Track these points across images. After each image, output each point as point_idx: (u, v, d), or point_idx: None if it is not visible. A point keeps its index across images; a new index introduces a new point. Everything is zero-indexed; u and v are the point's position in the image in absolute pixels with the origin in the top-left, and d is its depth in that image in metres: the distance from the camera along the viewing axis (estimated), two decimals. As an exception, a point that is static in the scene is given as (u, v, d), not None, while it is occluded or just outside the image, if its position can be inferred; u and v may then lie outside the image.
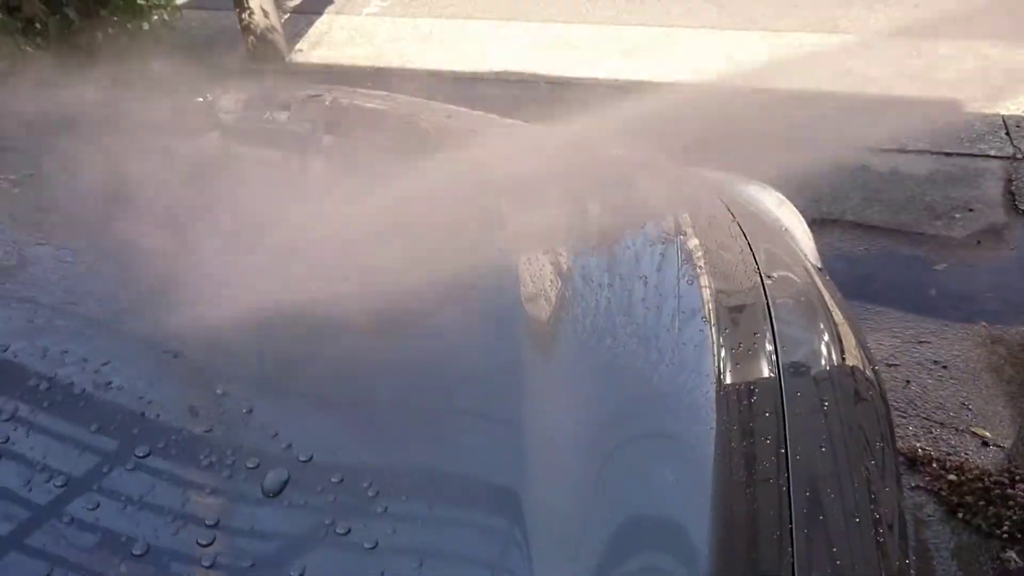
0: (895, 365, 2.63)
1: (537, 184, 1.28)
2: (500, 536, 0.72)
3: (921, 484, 2.16)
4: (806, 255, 1.35)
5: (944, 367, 2.61)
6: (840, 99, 4.23)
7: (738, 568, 0.76)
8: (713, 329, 0.98)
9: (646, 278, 1.06)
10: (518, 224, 1.14)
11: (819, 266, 1.38)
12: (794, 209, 1.53)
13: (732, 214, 1.32)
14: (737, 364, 0.98)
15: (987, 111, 4.05)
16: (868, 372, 1.22)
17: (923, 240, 3.27)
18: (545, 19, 5.41)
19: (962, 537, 2.01)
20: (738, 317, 1.08)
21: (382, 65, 5.05)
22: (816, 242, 3.34)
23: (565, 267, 1.06)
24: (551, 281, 1.00)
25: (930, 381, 2.56)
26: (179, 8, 4.44)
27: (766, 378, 0.99)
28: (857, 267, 3.16)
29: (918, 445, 2.30)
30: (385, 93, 1.89)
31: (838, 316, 1.24)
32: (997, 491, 2.09)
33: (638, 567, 0.72)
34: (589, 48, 5.04)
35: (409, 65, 5.02)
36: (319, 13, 5.88)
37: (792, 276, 1.28)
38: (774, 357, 1.02)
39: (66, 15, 3.50)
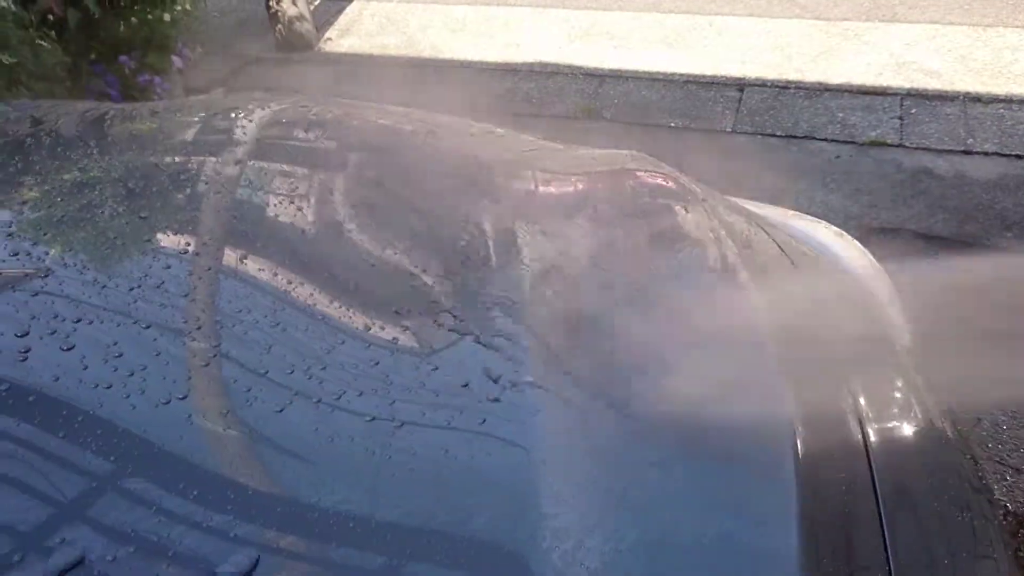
0: (963, 398, 2.39)
1: (566, 221, 1.11)
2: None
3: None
4: (879, 300, 1.15)
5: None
6: (896, 94, 3.95)
7: None
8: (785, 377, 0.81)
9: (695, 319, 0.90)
10: (541, 252, 0.98)
11: (908, 344, 1.17)
12: (873, 261, 1.32)
13: (786, 254, 1.14)
14: (818, 419, 0.82)
15: (1063, 109, 3.74)
16: (951, 432, 1.05)
17: (992, 255, 3.01)
18: (582, 6, 5.17)
19: (1045, 609, 1.79)
20: (813, 369, 0.92)
21: (412, 55, 4.86)
22: (875, 254, 3.12)
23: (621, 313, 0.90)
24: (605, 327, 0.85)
25: (1003, 418, 2.33)
26: (202, -2, 4.30)
27: (851, 440, 0.83)
28: (920, 283, 2.91)
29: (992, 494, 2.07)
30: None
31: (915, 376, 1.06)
32: (1085, 554, 1.86)
33: None
34: (628, 37, 4.80)
35: (440, 55, 4.82)
36: (349, 0, 5.70)
37: (866, 322, 1.09)
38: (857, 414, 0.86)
39: (85, 7, 3.36)
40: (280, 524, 0.61)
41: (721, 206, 1.21)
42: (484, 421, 0.71)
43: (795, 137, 3.77)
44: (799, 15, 4.85)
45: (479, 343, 0.80)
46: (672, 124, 3.96)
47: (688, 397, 0.78)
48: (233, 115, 1.33)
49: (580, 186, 1.20)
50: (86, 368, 0.71)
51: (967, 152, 3.54)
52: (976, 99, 3.86)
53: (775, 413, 0.75)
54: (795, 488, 0.68)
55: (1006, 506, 2.02)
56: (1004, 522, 1.98)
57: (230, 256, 0.94)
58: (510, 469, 0.68)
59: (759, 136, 3.81)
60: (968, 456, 0.99)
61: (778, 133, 3.81)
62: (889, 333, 1.08)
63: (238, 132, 1.24)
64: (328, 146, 1.23)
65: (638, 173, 1.28)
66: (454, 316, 0.84)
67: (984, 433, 2.27)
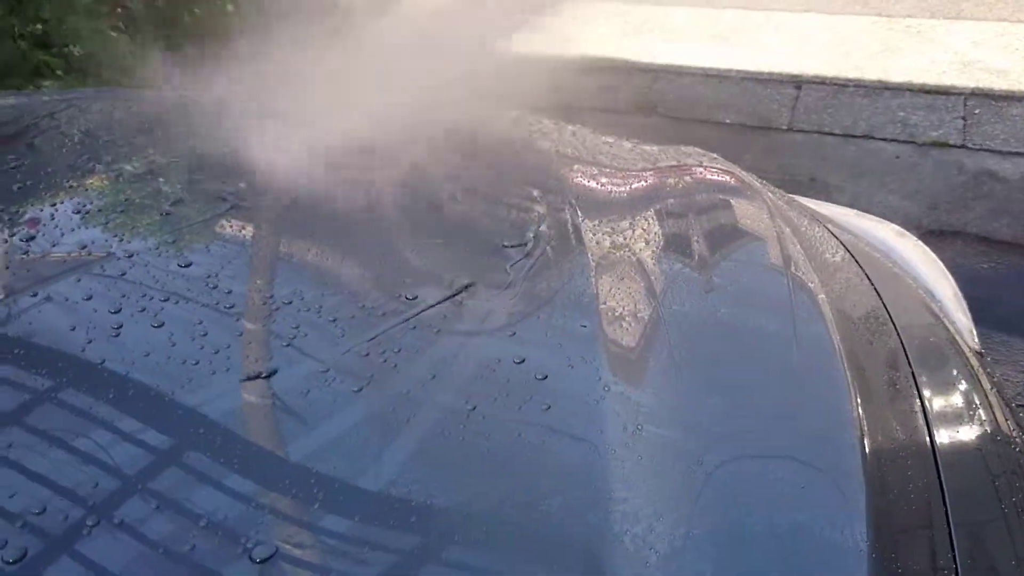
0: (1022, 406, 2.34)
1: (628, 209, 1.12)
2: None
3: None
4: (950, 316, 1.13)
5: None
6: (960, 93, 3.85)
7: None
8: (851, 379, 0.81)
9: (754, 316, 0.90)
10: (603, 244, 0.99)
11: (978, 348, 1.15)
12: (940, 266, 1.29)
13: (854, 256, 1.13)
14: (885, 421, 0.82)
15: None
16: (1018, 435, 1.03)
17: (1057, 259, 2.92)
18: (641, 1, 5.14)
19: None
20: (880, 371, 0.91)
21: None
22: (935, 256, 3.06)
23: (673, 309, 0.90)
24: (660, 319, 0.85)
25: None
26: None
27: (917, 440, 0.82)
28: (980, 288, 2.84)
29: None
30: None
31: (984, 382, 1.04)
32: None
33: None
34: (683, 32, 4.76)
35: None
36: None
37: (930, 330, 1.08)
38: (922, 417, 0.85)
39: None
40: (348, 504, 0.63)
41: (786, 205, 1.21)
42: (554, 409, 0.72)
43: (853, 136, 3.71)
44: (860, 11, 4.76)
45: (548, 334, 0.82)
46: (727, 121, 3.92)
47: (754, 390, 0.79)
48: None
49: (646, 181, 1.21)
50: (170, 345, 0.75)
51: None
52: (1044, 100, 3.75)
53: (842, 414, 0.75)
54: (863, 485, 0.68)
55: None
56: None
57: (295, 244, 0.98)
58: (581, 456, 0.69)
59: (816, 134, 3.76)
60: None
61: (836, 132, 3.75)
62: (955, 334, 1.07)
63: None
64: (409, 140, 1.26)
65: (702, 169, 1.28)
66: (525, 304, 0.86)
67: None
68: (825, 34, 4.55)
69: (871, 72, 4.14)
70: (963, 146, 3.55)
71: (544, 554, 0.61)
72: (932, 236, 3.10)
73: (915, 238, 1.37)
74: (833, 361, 0.81)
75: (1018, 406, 2.37)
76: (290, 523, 0.62)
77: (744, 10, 4.94)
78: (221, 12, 3.97)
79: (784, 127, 3.84)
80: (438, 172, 1.17)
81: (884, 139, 3.67)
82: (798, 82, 4.14)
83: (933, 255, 1.33)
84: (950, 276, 1.29)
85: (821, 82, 4.11)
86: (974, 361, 1.04)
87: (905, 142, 3.63)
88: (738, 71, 4.28)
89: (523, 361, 0.76)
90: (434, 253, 0.97)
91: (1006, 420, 0.95)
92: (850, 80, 4.10)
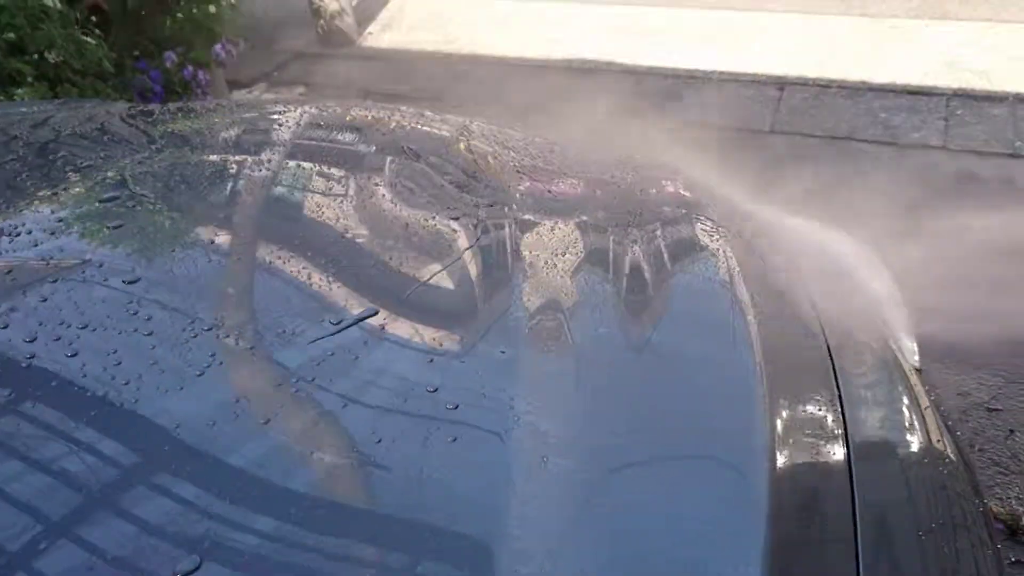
0: (996, 410, 2.33)
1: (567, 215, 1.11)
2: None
3: (1022, 559, 1.90)
4: (892, 330, 1.12)
5: (1056, 415, 2.30)
6: (943, 94, 3.84)
7: None
8: (766, 393, 0.80)
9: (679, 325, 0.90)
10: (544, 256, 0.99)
11: (917, 365, 1.14)
12: (883, 271, 1.29)
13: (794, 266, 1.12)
14: (796, 433, 0.81)
15: (1118, 111, 3.60)
16: (952, 455, 1.02)
17: (1037, 261, 2.91)
18: (623, 1, 5.13)
19: (1071, 631, 1.74)
20: (797, 382, 0.90)
21: (452, 51, 4.88)
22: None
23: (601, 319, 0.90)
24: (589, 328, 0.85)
25: (1040, 431, 2.26)
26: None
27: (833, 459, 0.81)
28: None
29: (1021, 511, 2.02)
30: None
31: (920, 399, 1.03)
32: (1116, 577, 1.81)
33: None
34: (668, 33, 4.75)
35: (480, 51, 4.83)
36: (392, -6, 5.75)
37: (867, 345, 1.07)
38: (841, 431, 0.84)
39: (127, 3, 3.45)
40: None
41: (736, 219, 1.20)
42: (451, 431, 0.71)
43: (835, 138, 3.70)
44: (844, 12, 4.74)
45: (465, 361, 0.81)
46: (709, 122, 3.91)
47: (668, 414, 0.78)
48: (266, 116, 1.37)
49: (587, 195, 1.20)
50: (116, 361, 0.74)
51: (1014, 155, 3.43)
52: (1026, 100, 3.74)
53: (754, 440, 0.75)
54: (765, 512, 0.67)
55: (1035, 523, 1.97)
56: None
57: (260, 252, 0.97)
58: (480, 492, 0.69)
59: (798, 136, 3.75)
60: (970, 482, 0.96)
61: (818, 133, 3.74)
62: (893, 350, 1.06)
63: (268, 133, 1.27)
64: (345, 148, 1.25)
65: (652, 185, 1.28)
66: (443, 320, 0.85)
67: (1017, 445, 2.21)
68: (809, 35, 4.54)
69: (854, 73, 4.12)
70: (944, 147, 3.54)
71: None
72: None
73: (871, 252, 1.36)
74: (750, 384, 0.80)
75: (990, 410, 2.36)
76: (184, 552, 0.62)
77: (729, 11, 4.93)
78: (204, 16, 3.96)
79: (767, 129, 3.83)
80: (363, 185, 1.15)
81: (866, 140, 3.66)
82: (781, 83, 4.13)
83: (886, 271, 1.32)
84: (899, 293, 1.28)
85: (804, 83, 4.10)
86: (912, 378, 1.03)
87: (886, 144, 3.62)
88: (721, 72, 4.27)
89: (436, 390, 0.75)
90: (348, 275, 0.95)
91: (938, 440, 0.94)
92: (833, 81, 4.09)
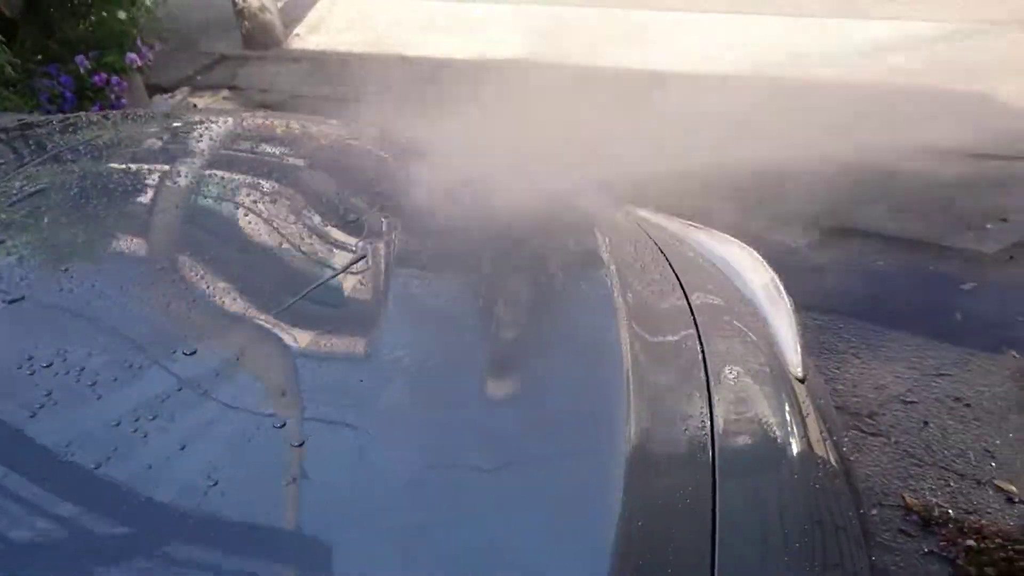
0: (912, 402, 2.38)
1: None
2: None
3: (935, 549, 1.93)
4: (782, 349, 1.11)
5: (967, 405, 2.36)
6: (863, 92, 3.92)
7: None
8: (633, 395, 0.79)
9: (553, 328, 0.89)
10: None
11: (799, 375, 1.12)
12: (779, 287, 1.28)
13: (675, 272, 1.11)
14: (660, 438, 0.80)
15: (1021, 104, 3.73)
16: (833, 460, 1.02)
17: (950, 255, 2.99)
18: (550, 1, 5.12)
19: (979, 619, 1.78)
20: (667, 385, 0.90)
21: (380, 52, 4.82)
22: (832, 254, 3.09)
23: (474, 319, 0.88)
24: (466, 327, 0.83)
25: (951, 422, 2.32)
26: (161, -7, 4.24)
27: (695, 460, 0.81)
28: (875, 285, 2.90)
29: (934, 501, 2.06)
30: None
31: (802, 405, 1.02)
32: (1021, 562, 1.85)
33: None
34: (594, 33, 4.76)
35: (408, 52, 4.78)
36: (320, -5, 5.65)
37: (745, 353, 1.06)
38: (708, 436, 0.84)
39: (35, 7, 3.31)
40: None
41: (622, 222, 1.19)
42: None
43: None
44: (762, 11, 4.82)
45: (319, 393, 0.78)
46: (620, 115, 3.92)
47: (528, 420, 0.77)
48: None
49: (463, 198, 1.18)
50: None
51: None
52: (937, 95, 3.85)
53: (613, 427, 0.74)
54: (619, 505, 0.67)
55: (947, 512, 2.01)
56: (946, 530, 1.97)
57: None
58: (320, 534, 0.66)
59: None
60: (846, 488, 0.96)
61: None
62: (772, 356, 1.05)
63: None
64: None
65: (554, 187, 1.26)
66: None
67: (930, 436, 2.26)
68: (731, 34, 4.60)
69: (769, 70, 4.20)
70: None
71: None
72: (832, 234, 3.15)
73: (758, 256, 1.36)
74: (616, 389, 0.79)
75: (905, 402, 2.41)
76: None
77: (654, 11, 4.96)
78: (115, 20, 3.82)
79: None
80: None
81: (788, 138, 3.71)
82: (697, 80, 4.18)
83: (775, 277, 1.32)
84: (788, 299, 1.27)
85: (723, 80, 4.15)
86: (792, 386, 1.03)
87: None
88: (642, 71, 4.30)
89: (283, 426, 0.71)
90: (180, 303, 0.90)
91: (816, 444, 0.94)
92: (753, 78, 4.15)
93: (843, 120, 3.66)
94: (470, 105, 4.03)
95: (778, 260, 2.95)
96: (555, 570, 0.63)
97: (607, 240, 1.06)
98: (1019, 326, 2.64)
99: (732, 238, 1.36)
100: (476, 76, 4.40)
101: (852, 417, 2.35)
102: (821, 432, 0.97)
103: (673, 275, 1.09)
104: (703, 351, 0.93)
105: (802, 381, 1.07)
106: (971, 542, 1.92)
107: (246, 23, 4.92)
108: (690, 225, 1.38)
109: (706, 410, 0.85)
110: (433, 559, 0.62)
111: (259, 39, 4.97)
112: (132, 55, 3.78)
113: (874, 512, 2.04)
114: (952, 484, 2.13)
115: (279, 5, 5.21)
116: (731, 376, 0.93)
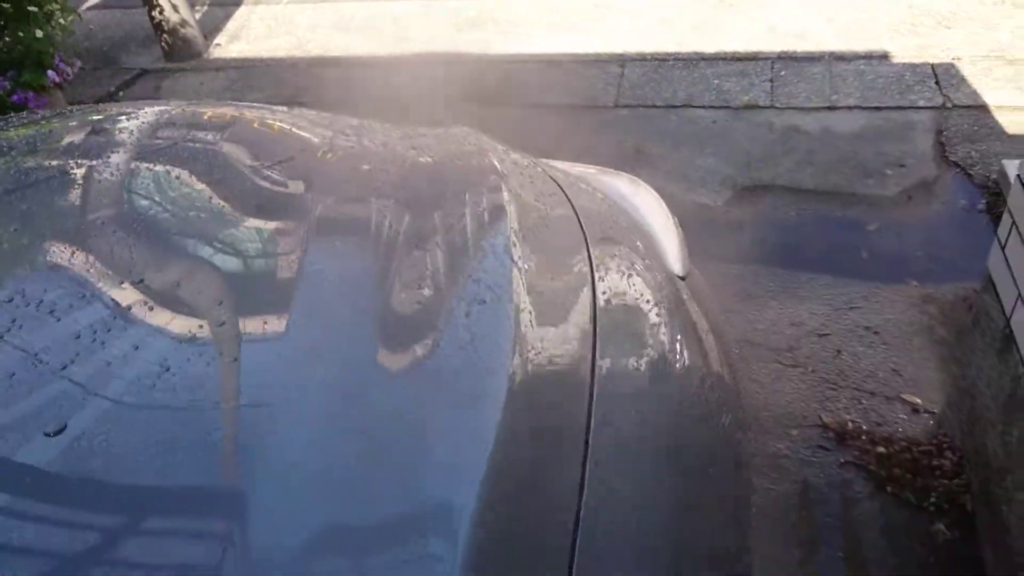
0: (826, 335, 2.57)
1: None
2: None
3: (850, 459, 2.11)
4: (665, 253, 1.24)
5: (876, 333, 2.56)
6: (767, 58, 4.14)
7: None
8: (518, 315, 0.88)
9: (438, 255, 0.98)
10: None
11: (680, 273, 1.26)
12: (662, 205, 1.41)
13: (568, 197, 1.21)
14: (543, 356, 0.89)
15: (916, 60, 3.98)
16: (726, 376, 1.10)
17: (855, 201, 3.20)
18: (469, -5, 5.24)
19: (890, 513, 1.95)
20: (554, 304, 0.99)
21: (303, 55, 4.86)
22: (748, 210, 3.27)
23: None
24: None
25: (861, 348, 2.50)
26: (74, 10, 4.22)
27: (575, 376, 0.89)
28: (789, 234, 3.09)
29: (848, 418, 2.24)
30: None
31: (696, 320, 1.13)
32: (925, 461, 2.04)
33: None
34: (516, 23, 4.89)
35: (330, 54, 4.84)
36: (237, 4, 5.66)
37: (633, 272, 1.14)
38: (591, 341, 0.93)
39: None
40: None
41: (528, 170, 1.30)
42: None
43: (674, 107, 3.93)
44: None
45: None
46: (556, 103, 4.07)
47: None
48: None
49: (383, 163, 1.27)
50: None
51: (832, 108, 3.74)
52: (840, 58, 4.08)
53: (496, 350, 0.82)
54: (496, 423, 0.73)
55: (860, 427, 2.19)
56: (859, 442, 2.14)
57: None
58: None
59: (640, 108, 3.96)
60: (731, 382, 1.06)
61: (658, 104, 3.96)
62: (655, 257, 1.16)
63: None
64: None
65: (441, 148, 1.36)
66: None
67: (843, 363, 2.44)
68: (647, 14, 4.77)
69: (689, 45, 4.38)
70: (771, 106, 3.82)
71: None
72: (747, 192, 3.33)
73: (648, 187, 1.49)
74: (505, 296, 0.88)
75: (820, 335, 2.59)
76: None
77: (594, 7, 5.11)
78: (31, 39, 3.80)
79: (611, 104, 4.02)
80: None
81: (702, 106, 3.90)
82: (622, 61, 4.34)
83: (659, 198, 1.45)
84: (672, 215, 1.40)
85: (643, 59, 4.32)
86: (675, 281, 1.14)
87: (720, 107, 3.87)
88: (567, 55, 4.44)
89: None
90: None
91: (697, 335, 1.05)
92: (669, 54, 4.33)
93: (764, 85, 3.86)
94: (380, 96, 4.12)
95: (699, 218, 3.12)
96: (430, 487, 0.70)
97: (503, 168, 1.17)
98: (918, 259, 2.86)
99: (620, 172, 1.48)
100: (392, 71, 4.50)
101: (772, 352, 2.52)
102: (703, 328, 1.09)
103: (563, 195, 1.20)
104: (589, 254, 1.04)
105: (683, 279, 1.20)
106: (881, 449, 2.10)
107: (165, 36, 4.91)
108: (581, 166, 1.50)
109: (590, 302, 0.95)
110: (323, 483, 0.68)
111: (180, 51, 4.97)
112: (51, 73, 3.77)
113: (794, 432, 2.21)
114: (864, 402, 2.31)
115: (197, 17, 5.21)
116: (615, 271, 1.04)
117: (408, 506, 0.69)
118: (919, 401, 2.28)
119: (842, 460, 2.11)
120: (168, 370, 0.77)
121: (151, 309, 0.84)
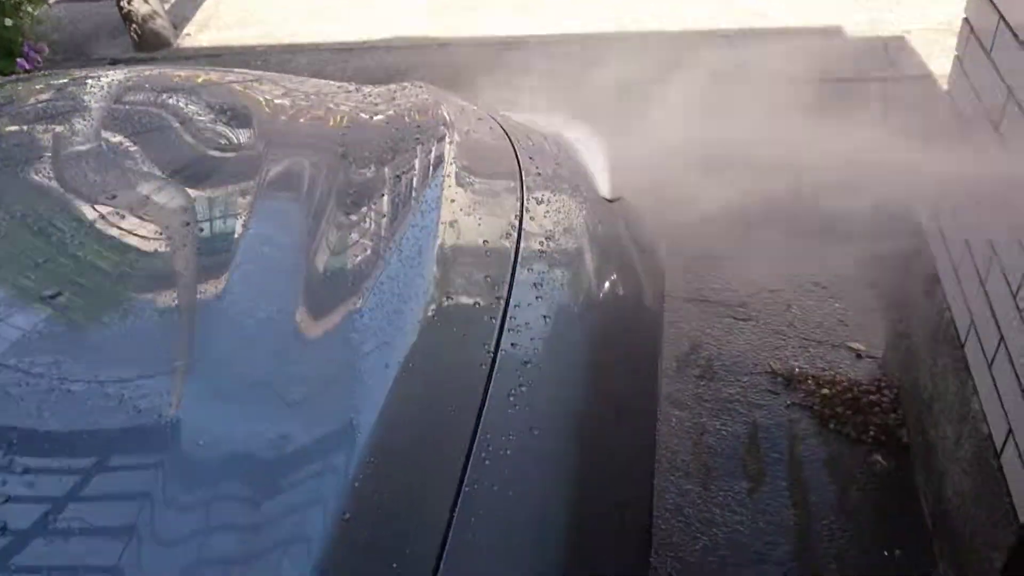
0: (777, 290, 2.69)
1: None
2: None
3: (797, 401, 2.23)
4: (593, 180, 1.34)
5: (824, 287, 2.68)
6: (725, 36, 4.27)
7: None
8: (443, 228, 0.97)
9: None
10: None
11: (607, 197, 1.37)
12: (594, 140, 1.53)
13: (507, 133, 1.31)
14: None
15: (869, 34, 4.12)
16: (650, 301, 1.18)
17: (807, 166, 3.32)
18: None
19: (832, 447, 2.08)
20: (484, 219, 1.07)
21: (272, 43, 4.93)
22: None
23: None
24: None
25: (810, 302, 2.63)
26: (44, 1, 4.27)
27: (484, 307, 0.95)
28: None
29: (796, 365, 2.36)
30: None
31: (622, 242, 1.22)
32: (865, 399, 2.16)
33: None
34: (484, 7, 4.99)
35: (300, 40, 4.91)
36: (207, -6, 5.71)
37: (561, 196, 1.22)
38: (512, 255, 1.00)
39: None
40: None
41: (475, 114, 1.40)
42: None
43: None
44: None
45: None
46: (526, 84, 4.17)
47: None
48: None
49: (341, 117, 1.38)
50: None
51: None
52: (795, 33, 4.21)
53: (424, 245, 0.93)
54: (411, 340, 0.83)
55: (807, 372, 2.32)
56: (805, 386, 2.26)
57: None
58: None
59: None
60: (653, 325, 1.15)
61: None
62: (585, 182, 1.27)
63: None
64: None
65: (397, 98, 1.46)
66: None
67: (792, 316, 2.57)
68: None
69: (649, 24, 4.51)
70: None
71: None
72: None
73: (583, 124, 1.60)
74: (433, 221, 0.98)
75: (771, 291, 2.70)
76: None
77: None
78: (1, 28, 3.85)
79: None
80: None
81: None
82: (584, 41, 4.45)
83: (593, 136, 1.55)
84: (603, 152, 1.51)
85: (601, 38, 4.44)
86: (604, 204, 1.25)
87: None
88: (533, 36, 4.55)
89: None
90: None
91: (622, 253, 1.14)
92: (631, 34, 4.45)
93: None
94: (351, 80, 4.20)
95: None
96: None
97: (450, 116, 1.28)
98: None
99: (563, 115, 1.60)
100: (360, 57, 4.58)
101: (726, 308, 2.65)
102: (632, 249, 1.19)
103: (503, 132, 1.31)
104: (521, 179, 1.15)
105: (611, 201, 1.31)
106: (825, 391, 2.23)
107: (135, 27, 4.96)
108: (529, 114, 1.61)
109: (517, 223, 1.04)
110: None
111: (150, 42, 5.01)
112: (21, 61, 3.82)
113: (744, 379, 2.33)
114: (811, 350, 2.44)
115: (166, 6, 5.26)
116: (545, 195, 1.14)
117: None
118: (863, 347, 2.41)
119: (789, 402, 2.24)
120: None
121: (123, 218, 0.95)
